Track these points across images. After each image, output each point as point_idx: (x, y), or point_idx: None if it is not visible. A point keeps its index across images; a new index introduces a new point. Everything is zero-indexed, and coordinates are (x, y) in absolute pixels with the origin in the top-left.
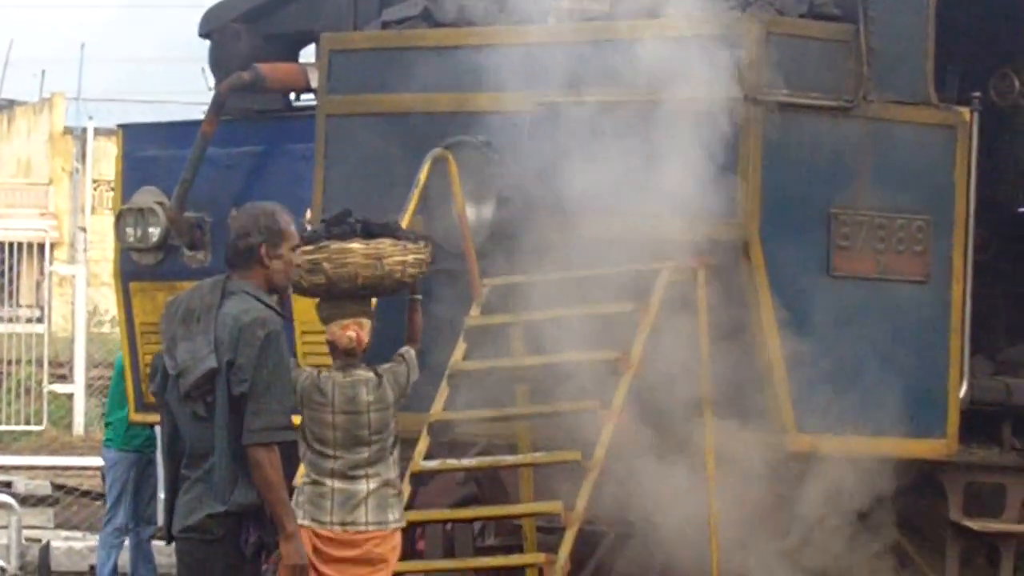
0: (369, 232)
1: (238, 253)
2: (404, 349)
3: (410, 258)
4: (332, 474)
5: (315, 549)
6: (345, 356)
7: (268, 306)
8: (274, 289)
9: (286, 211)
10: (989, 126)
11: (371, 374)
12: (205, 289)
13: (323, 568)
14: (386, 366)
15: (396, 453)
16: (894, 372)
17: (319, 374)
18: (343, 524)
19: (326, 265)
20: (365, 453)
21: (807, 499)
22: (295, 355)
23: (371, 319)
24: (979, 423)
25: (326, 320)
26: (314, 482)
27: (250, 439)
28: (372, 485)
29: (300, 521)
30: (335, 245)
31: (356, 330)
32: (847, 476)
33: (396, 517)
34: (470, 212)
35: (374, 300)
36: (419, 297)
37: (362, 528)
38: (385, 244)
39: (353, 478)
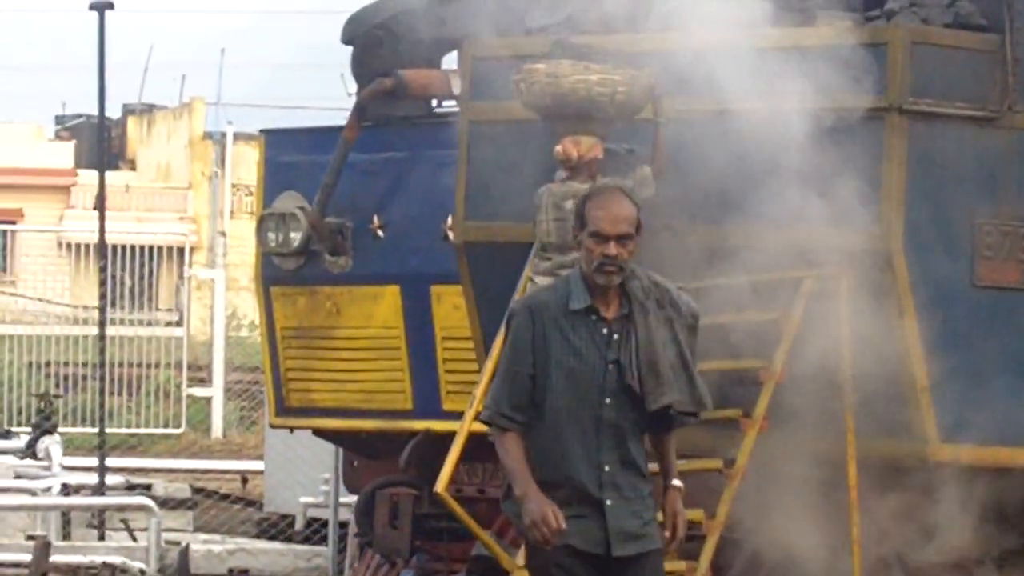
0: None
1: None
2: (640, 166)
3: (594, 77)
4: (541, 271)
5: None
6: (567, 169)
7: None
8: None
9: None
10: None
11: (585, 186)
12: None
13: None
14: (609, 179)
15: None
16: None
17: (546, 184)
18: None
19: (522, 86)
20: (572, 255)
21: (949, 511)
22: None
23: (594, 137)
24: None
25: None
26: (530, 280)
27: None
28: None
29: None
30: (526, 67)
31: (568, 145)
32: (990, 487)
33: None
34: None
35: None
36: (661, 120)
37: None
38: (564, 64)
39: (555, 276)
